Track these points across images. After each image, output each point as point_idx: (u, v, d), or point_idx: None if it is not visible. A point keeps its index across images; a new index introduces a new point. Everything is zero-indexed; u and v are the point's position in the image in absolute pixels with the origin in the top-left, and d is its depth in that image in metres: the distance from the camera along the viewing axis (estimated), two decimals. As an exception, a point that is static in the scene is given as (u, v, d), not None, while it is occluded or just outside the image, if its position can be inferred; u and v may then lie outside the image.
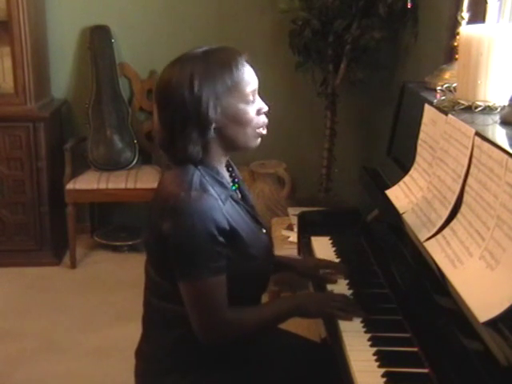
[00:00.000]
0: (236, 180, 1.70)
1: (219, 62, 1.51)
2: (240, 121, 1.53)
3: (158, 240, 1.51)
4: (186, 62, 1.52)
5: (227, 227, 1.50)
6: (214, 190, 1.51)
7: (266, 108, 1.59)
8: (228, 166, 1.69)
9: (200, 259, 1.47)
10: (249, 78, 1.54)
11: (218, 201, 1.50)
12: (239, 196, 1.66)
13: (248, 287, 1.60)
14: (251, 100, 1.54)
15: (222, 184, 1.56)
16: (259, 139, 1.60)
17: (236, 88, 1.51)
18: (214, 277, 1.48)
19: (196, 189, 1.48)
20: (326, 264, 1.89)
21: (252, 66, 1.56)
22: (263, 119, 1.59)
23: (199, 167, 1.54)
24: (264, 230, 1.71)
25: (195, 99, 1.47)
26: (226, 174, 1.65)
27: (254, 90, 1.56)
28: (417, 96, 2.04)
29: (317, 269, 1.88)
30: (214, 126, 1.51)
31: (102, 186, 3.59)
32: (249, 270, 1.57)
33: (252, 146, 1.59)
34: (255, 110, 1.56)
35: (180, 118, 1.50)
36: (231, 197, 1.58)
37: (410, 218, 1.72)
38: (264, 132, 1.60)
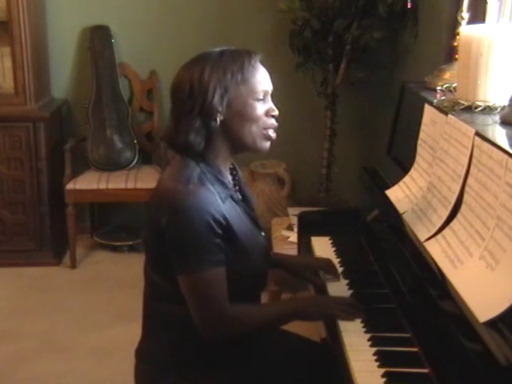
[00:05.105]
0: (238, 183, 1.70)
1: (232, 57, 1.53)
2: (246, 116, 1.53)
3: (157, 235, 1.50)
4: (202, 56, 1.55)
5: (223, 222, 1.50)
6: (213, 187, 1.51)
7: (276, 111, 1.58)
8: (232, 170, 1.68)
9: (198, 251, 1.47)
10: (261, 77, 1.55)
11: (216, 196, 1.51)
12: (240, 197, 1.66)
13: (244, 287, 1.59)
14: (261, 99, 1.54)
15: (222, 183, 1.56)
16: (268, 142, 1.59)
17: (246, 82, 1.51)
18: (213, 268, 1.48)
19: (193, 182, 1.49)
20: (318, 266, 1.89)
21: (266, 69, 1.57)
22: (272, 121, 1.58)
23: (201, 164, 1.53)
24: (263, 233, 1.70)
25: (203, 86, 1.49)
26: (229, 176, 1.64)
27: (266, 91, 1.56)
28: (417, 96, 2.04)
29: (305, 270, 1.89)
30: (219, 117, 1.51)
31: (102, 186, 3.59)
32: (244, 269, 1.57)
33: (258, 146, 1.58)
34: (264, 110, 1.55)
35: (186, 104, 1.51)
36: (231, 197, 1.58)
37: (409, 218, 1.72)
38: (273, 135, 1.58)
